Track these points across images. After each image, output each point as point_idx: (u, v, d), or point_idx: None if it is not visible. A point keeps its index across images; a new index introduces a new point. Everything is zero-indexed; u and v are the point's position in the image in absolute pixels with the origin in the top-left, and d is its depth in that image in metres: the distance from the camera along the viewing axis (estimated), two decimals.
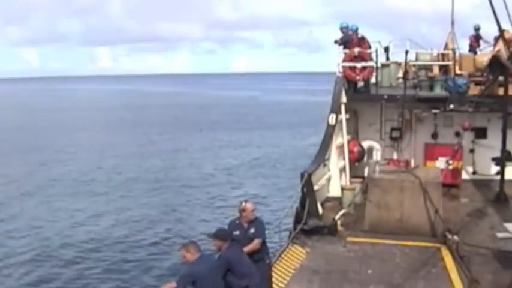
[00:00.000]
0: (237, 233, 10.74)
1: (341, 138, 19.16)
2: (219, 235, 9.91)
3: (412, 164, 19.15)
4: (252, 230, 10.82)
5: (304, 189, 15.05)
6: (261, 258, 10.73)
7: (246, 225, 10.88)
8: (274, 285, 11.27)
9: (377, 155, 19.96)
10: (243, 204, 10.99)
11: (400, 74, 22.70)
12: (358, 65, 19.28)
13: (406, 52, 20.03)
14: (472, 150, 20.48)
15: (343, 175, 19.07)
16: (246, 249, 10.40)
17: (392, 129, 20.17)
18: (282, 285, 11.93)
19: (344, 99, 19.08)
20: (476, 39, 24.84)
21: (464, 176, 20.25)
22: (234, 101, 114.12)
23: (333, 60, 19.71)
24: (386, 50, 22.20)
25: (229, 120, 71.70)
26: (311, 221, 14.92)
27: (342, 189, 17.78)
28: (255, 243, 10.70)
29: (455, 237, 13.77)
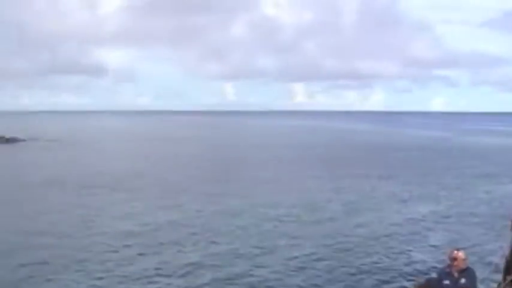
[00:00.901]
0: (447, 282, 10.46)
1: None
2: (429, 285, 9.67)
3: None
4: (463, 280, 10.48)
5: None
6: None
7: (456, 274, 10.55)
8: None
9: None
10: (455, 252, 10.67)
11: None
12: None
13: None
14: None
15: None
16: None
17: None
18: None
19: None
20: None
21: None
22: (424, 143, 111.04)
23: None
24: None
25: (419, 164, 69.41)
26: None
27: None
28: None
29: None
